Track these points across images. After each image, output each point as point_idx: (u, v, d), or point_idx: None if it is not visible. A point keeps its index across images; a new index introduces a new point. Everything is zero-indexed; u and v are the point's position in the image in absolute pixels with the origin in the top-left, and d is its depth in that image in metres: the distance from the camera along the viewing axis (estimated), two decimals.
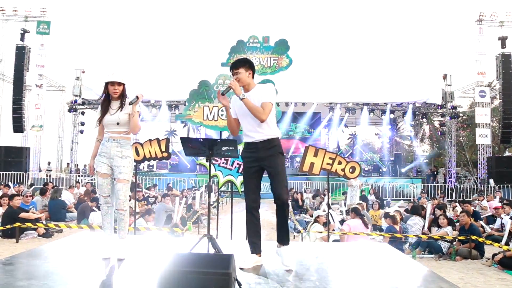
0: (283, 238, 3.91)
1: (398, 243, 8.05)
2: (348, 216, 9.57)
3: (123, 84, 4.12)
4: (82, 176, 21.97)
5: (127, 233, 4.22)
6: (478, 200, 14.94)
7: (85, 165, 24.44)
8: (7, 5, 22.92)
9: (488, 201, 13.84)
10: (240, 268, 3.65)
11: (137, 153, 6.64)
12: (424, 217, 9.63)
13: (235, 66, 3.92)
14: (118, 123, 4.09)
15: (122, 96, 4.12)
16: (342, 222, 9.79)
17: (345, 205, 13.88)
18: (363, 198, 15.01)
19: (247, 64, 3.92)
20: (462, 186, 21.14)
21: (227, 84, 6.44)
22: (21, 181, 19.82)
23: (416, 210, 9.86)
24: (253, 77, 3.97)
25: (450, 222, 8.72)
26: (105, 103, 4.13)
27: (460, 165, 28.24)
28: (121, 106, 4.10)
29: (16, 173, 20.59)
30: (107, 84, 4.10)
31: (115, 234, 4.23)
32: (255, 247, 3.92)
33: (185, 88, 7.43)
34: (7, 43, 23.45)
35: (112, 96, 4.11)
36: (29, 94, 23.65)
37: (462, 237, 7.90)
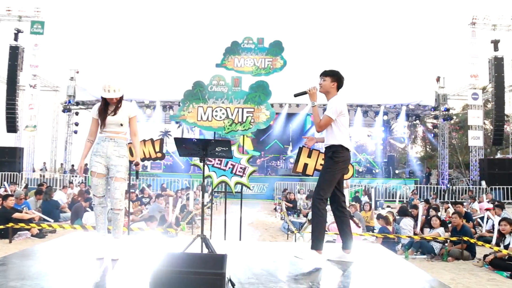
0: (313, 241, 4.07)
1: (390, 243, 8.10)
2: None
3: (121, 95, 4.16)
4: (76, 176, 21.89)
5: (122, 233, 4.24)
6: (468, 203, 15.02)
7: None
8: (0, 5, 22.81)
9: (479, 203, 13.94)
10: (328, 260, 4.05)
11: (131, 154, 6.64)
12: (414, 217, 9.66)
13: (325, 73, 4.31)
14: (121, 124, 4.15)
15: (119, 100, 4.16)
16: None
17: None
18: (356, 199, 15.06)
19: (335, 77, 4.26)
20: (454, 187, 21.27)
21: (221, 84, 6.51)
22: (15, 181, 19.71)
23: (404, 211, 9.87)
24: (337, 89, 4.29)
25: (442, 223, 8.79)
26: (104, 105, 4.14)
27: (453, 166, 28.42)
28: (118, 108, 4.13)
29: (9, 173, 20.47)
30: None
31: (109, 234, 4.24)
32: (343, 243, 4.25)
33: (179, 89, 7.43)
34: (0, 43, 23.35)
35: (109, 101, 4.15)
36: (23, 94, 23.54)
37: (454, 238, 7.97)
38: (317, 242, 4.01)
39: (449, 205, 12.54)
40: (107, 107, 4.14)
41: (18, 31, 22.18)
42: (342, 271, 4.01)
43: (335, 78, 4.26)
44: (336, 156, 4.09)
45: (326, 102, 4.31)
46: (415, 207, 10.62)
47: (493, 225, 9.54)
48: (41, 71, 23.13)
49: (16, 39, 22.19)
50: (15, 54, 22.05)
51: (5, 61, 22.38)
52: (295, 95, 4.41)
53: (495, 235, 8.04)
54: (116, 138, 4.15)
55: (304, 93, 4.27)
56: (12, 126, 22.30)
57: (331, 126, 4.14)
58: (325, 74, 4.30)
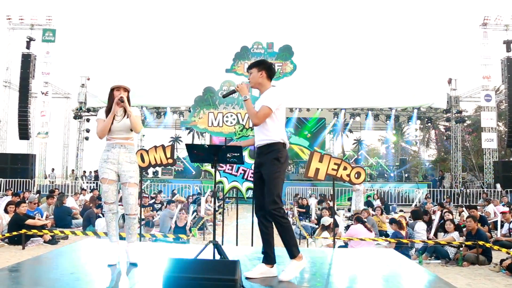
0: (288, 251, 3.68)
1: (404, 248, 8.00)
2: (353, 222, 9.54)
3: (128, 92, 4.17)
4: (88, 183, 22.02)
5: (136, 237, 4.30)
6: (482, 206, 14.80)
7: (91, 172, 24.50)
8: (13, 14, 23.16)
9: (494, 206, 13.72)
10: (246, 278, 3.58)
11: (143, 160, 6.65)
12: (426, 222, 9.53)
13: (249, 67, 3.94)
14: (131, 129, 4.14)
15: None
16: (347, 228, 9.76)
17: (349, 211, 13.81)
18: (368, 203, 14.95)
19: (261, 65, 3.86)
20: (468, 191, 21.00)
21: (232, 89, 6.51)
22: (27, 188, 19.88)
23: (416, 215, 9.73)
24: (269, 79, 3.88)
25: (457, 227, 8.67)
26: (110, 111, 4.14)
27: (466, 169, 28.09)
28: (125, 113, 4.12)
29: (22, 180, 20.66)
30: (112, 90, 4.14)
31: (121, 241, 4.24)
32: (265, 257, 3.75)
33: (190, 95, 7.46)
34: (13, 51, 23.62)
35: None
36: (35, 101, 23.79)
37: (469, 243, 7.84)
38: (294, 249, 3.66)
39: (463, 208, 12.38)
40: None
41: (30, 39, 22.44)
42: (355, 276, 3.96)
43: (261, 67, 3.84)
44: (281, 156, 3.68)
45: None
46: (426, 212, 10.49)
47: (509, 229, 9.39)
48: (53, 79, 23.39)
49: (28, 47, 22.43)
50: (27, 62, 22.29)
51: (17, 69, 22.67)
52: (224, 96, 4.19)
53: None
54: (126, 145, 4.16)
55: (233, 91, 4.01)
56: (24, 133, 22.52)
57: (269, 120, 3.70)
58: (249, 67, 3.93)
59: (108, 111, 4.15)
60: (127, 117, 4.12)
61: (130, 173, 4.10)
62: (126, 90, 4.16)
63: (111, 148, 4.13)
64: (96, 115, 18.65)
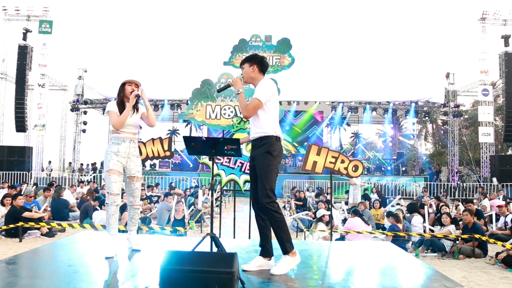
0: (281, 246, 3.66)
1: (401, 241, 8.04)
2: (350, 215, 9.57)
3: (138, 87, 4.26)
4: (85, 175, 21.98)
5: (136, 227, 4.50)
6: (479, 200, 14.84)
7: (88, 165, 24.43)
8: (9, 5, 22.92)
9: (490, 200, 13.78)
10: (243, 270, 3.60)
11: (140, 152, 6.63)
12: (422, 216, 9.57)
13: (241, 63, 3.94)
14: (141, 126, 4.24)
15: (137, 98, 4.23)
16: (344, 221, 9.80)
17: (347, 204, 13.85)
18: (365, 197, 14.98)
19: (252, 60, 3.86)
20: (465, 184, 21.07)
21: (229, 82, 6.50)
22: (24, 180, 19.83)
23: (413, 208, 9.76)
24: (261, 73, 3.85)
25: (453, 221, 8.70)
26: (121, 105, 4.22)
27: (463, 163, 28.17)
28: (136, 108, 4.26)
29: (18, 172, 20.60)
30: (123, 85, 4.23)
31: (119, 233, 4.28)
32: (262, 250, 3.76)
33: (187, 87, 7.44)
34: (9, 43, 23.41)
35: (127, 97, 4.22)
36: (32, 93, 23.59)
37: (465, 236, 7.89)
38: (289, 245, 3.62)
39: (460, 202, 12.43)
40: (124, 106, 4.21)
41: (27, 30, 22.26)
42: (352, 269, 3.97)
43: (253, 61, 3.84)
44: (274, 150, 3.67)
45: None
46: (423, 206, 10.53)
47: (505, 223, 9.44)
48: (50, 71, 23.22)
49: (24, 38, 22.26)
50: (23, 53, 22.11)
51: (14, 61, 22.49)
52: (218, 91, 4.29)
53: None
54: (134, 140, 4.31)
55: (228, 86, 4.00)
56: (21, 126, 22.39)
57: (261, 113, 3.69)
58: (242, 63, 3.94)
59: (119, 104, 4.22)
60: (136, 113, 4.25)
61: (138, 168, 4.29)
62: (137, 85, 4.26)
63: (121, 141, 4.20)
64: (93, 107, 18.51)
